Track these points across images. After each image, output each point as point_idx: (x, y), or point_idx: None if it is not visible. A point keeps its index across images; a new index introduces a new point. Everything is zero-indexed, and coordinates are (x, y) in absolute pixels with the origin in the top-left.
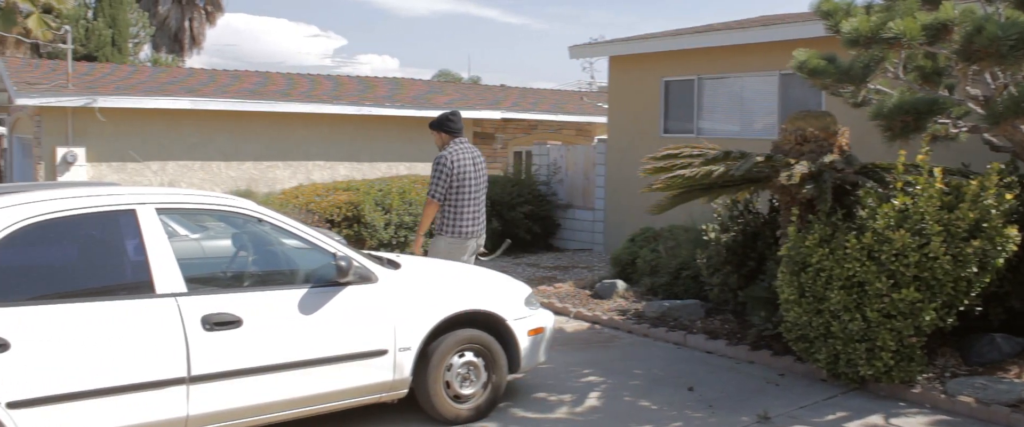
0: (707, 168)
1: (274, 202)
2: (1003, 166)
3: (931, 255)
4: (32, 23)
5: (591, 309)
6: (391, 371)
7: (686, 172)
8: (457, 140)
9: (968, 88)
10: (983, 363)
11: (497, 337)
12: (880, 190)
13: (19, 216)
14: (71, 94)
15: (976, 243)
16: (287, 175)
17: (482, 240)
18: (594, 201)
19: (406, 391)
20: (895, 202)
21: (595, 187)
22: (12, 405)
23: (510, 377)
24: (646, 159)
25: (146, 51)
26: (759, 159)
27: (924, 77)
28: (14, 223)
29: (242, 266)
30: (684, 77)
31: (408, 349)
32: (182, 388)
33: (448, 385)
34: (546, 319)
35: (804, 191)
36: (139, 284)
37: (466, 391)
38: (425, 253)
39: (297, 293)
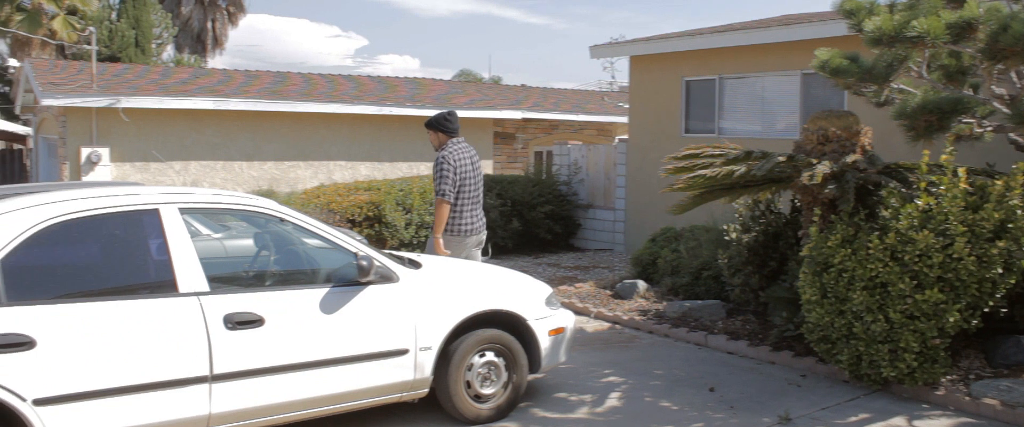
0: (728, 168)
1: (295, 202)
2: None
3: (955, 256)
4: (57, 24)
5: (612, 309)
6: (412, 370)
7: (707, 172)
8: (454, 140)
9: (993, 87)
10: (1008, 365)
11: (518, 337)
12: (903, 190)
13: (44, 215)
14: (95, 95)
15: (1001, 244)
16: (308, 175)
17: (483, 236)
18: (615, 201)
19: (427, 391)
20: (919, 202)
21: (616, 187)
22: (38, 402)
23: (531, 377)
24: (667, 159)
25: (169, 52)
26: (781, 159)
27: (948, 76)
28: (39, 222)
29: (264, 265)
30: (705, 77)
31: (429, 349)
32: (205, 386)
33: (469, 385)
34: (567, 319)
35: (826, 191)
36: (162, 283)
37: (487, 391)
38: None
39: (319, 292)
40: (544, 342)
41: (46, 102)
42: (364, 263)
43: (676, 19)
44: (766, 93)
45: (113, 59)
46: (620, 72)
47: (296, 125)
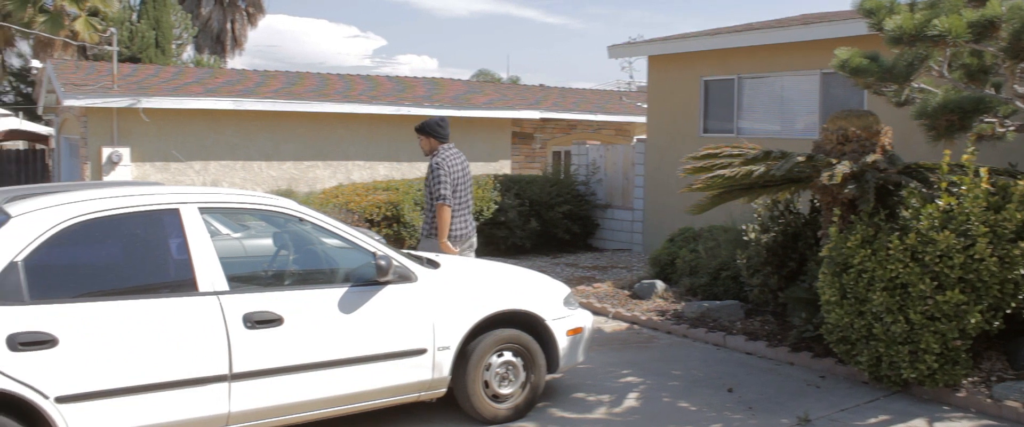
0: (747, 168)
1: (314, 201)
2: None
3: (976, 257)
4: (79, 26)
5: (630, 309)
6: (430, 370)
7: (726, 172)
8: (446, 146)
9: (1015, 86)
10: None
11: (536, 337)
12: (924, 190)
13: (66, 215)
14: (116, 95)
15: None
16: (327, 175)
17: (473, 241)
18: (633, 201)
19: (445, 390)
20: (939, 203)
21: (634, 187)
22: (60, 399)
23: (548, 377)
24: (686, 159)
25: (189, 53)
26: (800, 159)
27: (970, 75)
28: (61, 222)
29: (283, 265)
30: (723, 77)
31: (447, 348)
32: (224, 385)
33: (487, 385)
34: (585, 319)
35: (846, 191)
36: (182, 282)
37: (504, 391)
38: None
39: (337, 292)
40: (562, 342)
41: (68, 102)
42: (383, 263)
43: (694, 19)
44: (785, 93)
45: (134, 60)
46: (638, 72)
47: (314, 125)
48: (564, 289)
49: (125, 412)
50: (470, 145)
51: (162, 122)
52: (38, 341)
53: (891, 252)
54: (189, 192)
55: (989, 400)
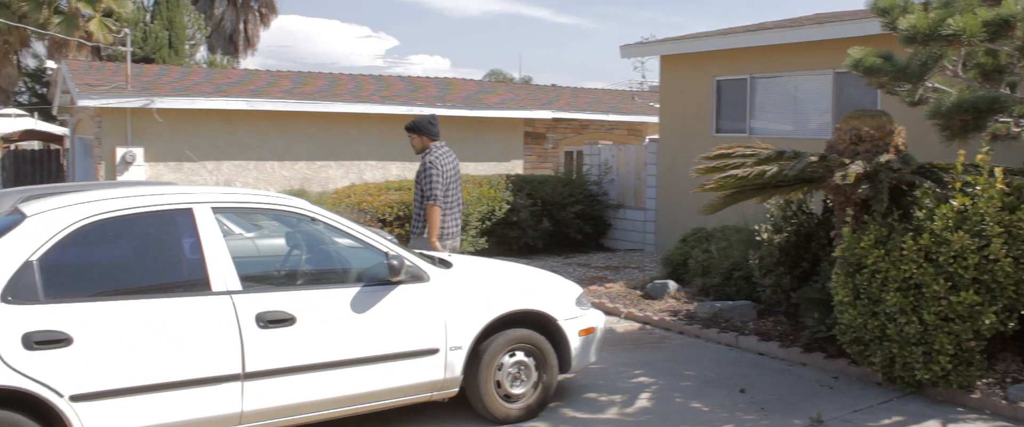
0: (760, 168)
1: (326, 201)
2: None
3: (991, 257)
4: (93, 26)
5: (642, 309)
6: (442, 370)
7: (739, 172)
8: (437, 144)
9: None
10: None
11: (548, 337)
12: (938, 190)
13: (80, 215)
14: (130, 95)
15: None
16: (339, 174)
17: (457, 242)
18: (645, 201)
19: (457, 390)
20: (954, 203)
21: (646, 187)
22: (75, 398)
23: (561, 377)
24: (698, 159)
25: (202, 53)
26: (813, 159)
27: (984, 74)
28: (75, 222)
29: (296, 265)
30: (736, 76)
31: (459, 348)
32: (237, 384)
33: (499, 384)
34: (597, 319)
35: (859, 191)
36: (195, 282)
37: (517, 391)
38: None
39: (350, 292)
40: (574, 342)
41: (82, 103)
42: (395, 262)
43: (705, 19)
44: (798, 92)
45: (147, 60)
46: (651, 72)
47: (326, 125)
48: (576, 289)
49: (138, 411)
50: (482, 145)
51: (175, 122)
52: (53, 340)
53: (905, 252)
54: (202, 192)
55: (1004, 402)
